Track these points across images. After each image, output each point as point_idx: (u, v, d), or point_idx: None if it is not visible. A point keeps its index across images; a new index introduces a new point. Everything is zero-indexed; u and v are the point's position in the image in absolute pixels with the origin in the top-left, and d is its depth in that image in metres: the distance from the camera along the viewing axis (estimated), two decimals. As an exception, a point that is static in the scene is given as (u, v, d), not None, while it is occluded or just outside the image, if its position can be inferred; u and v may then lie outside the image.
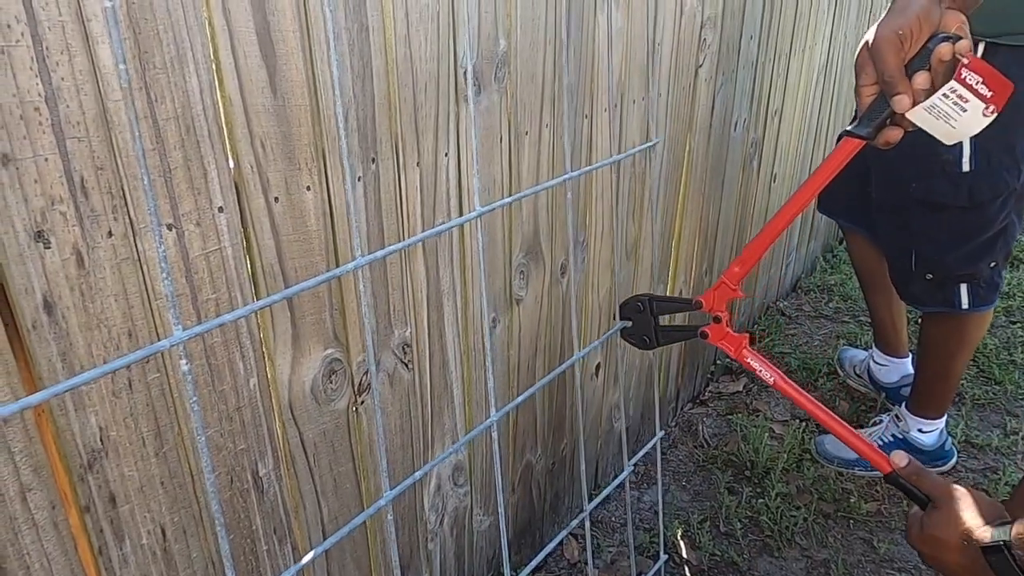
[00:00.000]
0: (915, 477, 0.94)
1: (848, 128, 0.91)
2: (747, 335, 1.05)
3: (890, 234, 1.68)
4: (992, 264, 1.56)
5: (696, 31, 1.55)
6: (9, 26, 0.59)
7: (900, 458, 0.95)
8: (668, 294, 1.84)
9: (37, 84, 0.61)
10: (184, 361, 0.46)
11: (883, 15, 0.87)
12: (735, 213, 2.08)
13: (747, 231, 2.21)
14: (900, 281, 1.69)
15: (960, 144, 1.44)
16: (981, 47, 1.39)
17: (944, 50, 0.82)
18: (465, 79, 1.00)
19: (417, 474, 0.68)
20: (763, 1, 1.83)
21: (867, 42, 0.87)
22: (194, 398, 0.44)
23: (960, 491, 0.90)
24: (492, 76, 1.05)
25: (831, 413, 1.01)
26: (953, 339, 1.67)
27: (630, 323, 1.10)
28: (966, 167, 1.46)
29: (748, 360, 1.04)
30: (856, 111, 0.93)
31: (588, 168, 0.84)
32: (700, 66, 1.61)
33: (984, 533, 0.85)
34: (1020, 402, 2.07)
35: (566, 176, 0.81)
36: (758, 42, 1.88)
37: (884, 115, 0.87)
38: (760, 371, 1.03)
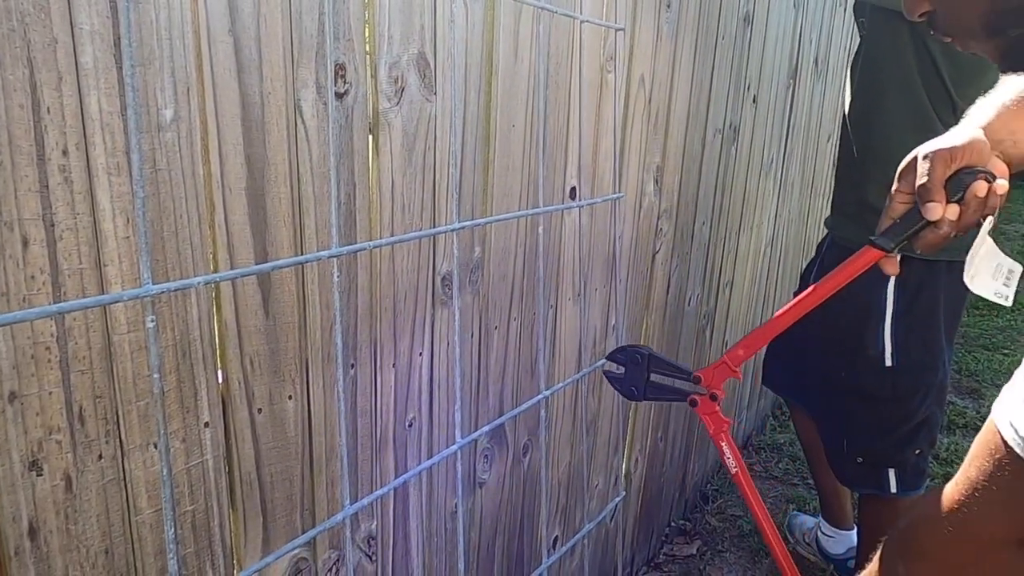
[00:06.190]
0: None
1: (872, 238, 0.90)
2: (729, 421, 1.09)
3: (824, 416, 1.77)
4: (917, 452, 1.65)
5: (654, 223, 1.67)
6: (33, 277, 0.64)
7: None
8: (625, 456, 1.88)
9: (51, 326, 0.65)
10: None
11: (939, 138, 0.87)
12: (689, 380, 2.16)
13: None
14: (834, 462, 1.76)
15: (883, 342, 1.56)
16: (897, 259, 1.52)
17: (980, 187, 0.84)
18: (443, 286, 1.07)
19: None
20: (714, 189, 1.99)
21: (918, 154, 0.88)
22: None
23: None
24: (467, 280, 1.13)
25: (777, 534, 1.08)
26: (887, 520, 1.73)
27: (621, 370, 1.08)
28: (888, 362, 1.57)
29: (722, 444, 1.08)
30: (881, 218, 0.92)
31: (557, 387, 0.90)
32: (657, 252, 1.73)
33: None
34: (964, 576, 2.12)
35: (539, 397, 0.87)
36: (710, 225, 2.03)
37: (913, 229, 0.88)
38: (728, 459, 1.08)
